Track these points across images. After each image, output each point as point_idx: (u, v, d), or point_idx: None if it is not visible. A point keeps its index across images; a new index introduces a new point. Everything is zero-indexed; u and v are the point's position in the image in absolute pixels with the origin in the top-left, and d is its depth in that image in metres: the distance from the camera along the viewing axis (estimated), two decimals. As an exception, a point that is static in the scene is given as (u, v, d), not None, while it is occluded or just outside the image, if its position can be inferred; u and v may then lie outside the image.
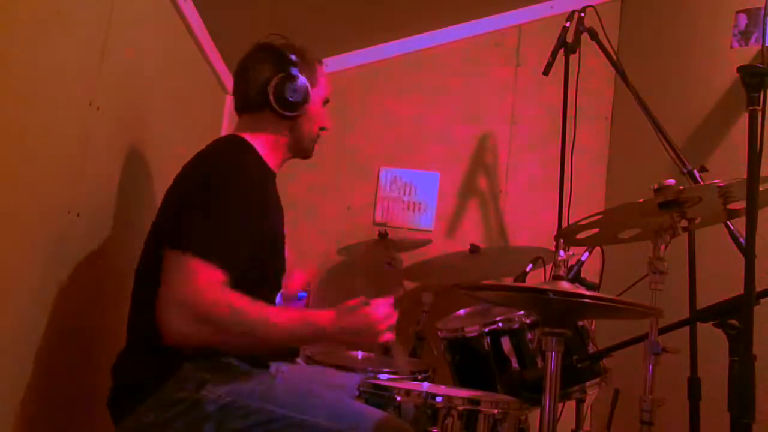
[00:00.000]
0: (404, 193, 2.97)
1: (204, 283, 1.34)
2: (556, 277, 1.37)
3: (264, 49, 1.68)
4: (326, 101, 1.75)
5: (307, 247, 2.88)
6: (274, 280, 1.61)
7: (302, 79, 1.63)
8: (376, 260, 2.62)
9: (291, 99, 1.62)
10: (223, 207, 1.43)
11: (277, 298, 1.67)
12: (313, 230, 2.93)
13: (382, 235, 2.61)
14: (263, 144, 1.63)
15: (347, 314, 1.44)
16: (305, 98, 1.64)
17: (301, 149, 1.72)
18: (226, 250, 1.39)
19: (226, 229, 1.41)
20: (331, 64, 3.02)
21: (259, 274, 1.52)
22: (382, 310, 1.46)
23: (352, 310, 1.44)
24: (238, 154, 1.55)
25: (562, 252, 1.38)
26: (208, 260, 1.36)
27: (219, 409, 1.35)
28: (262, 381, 1.43)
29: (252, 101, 1.65)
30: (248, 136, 1.62)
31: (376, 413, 1.38)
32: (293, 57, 1.64)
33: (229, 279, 1.38)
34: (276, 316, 1.42)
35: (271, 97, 1.61)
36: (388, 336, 1.47)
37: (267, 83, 1.62)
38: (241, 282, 1.41)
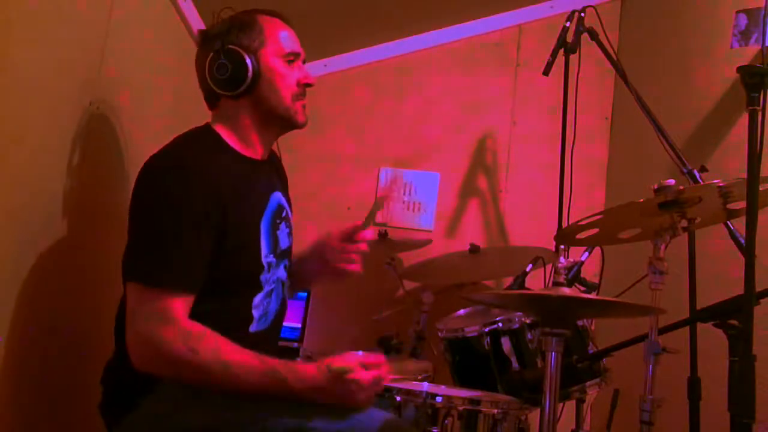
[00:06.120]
0: (404, 193, 2.97)
1: (163, 318, 1.28)
2: (557, 284, 1.38)
3: (198, 36, 1.58)
4: (290, 55, 1.55)
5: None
6: (249, 280, 1.48)
7: (231, 50, 1.48)
8: (376, 260, 2.62)
9: (223, 77, 1.48)
10: (171, 223, 1.34)
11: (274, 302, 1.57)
12: (313, 230, 2.92)
13: (382, 235, 2.61)
14: (233, 132, 1.53)
15: (329, 381, 1.29)
16: (242, 68, 1.48)
17: (279, 120, 1.56)
18: (182, 274, 1.33)
19: (178, 249, 1.33)
20: (332, 64, 3.02)
21: (229, 278, 1.43)
22: (369, 376, 1.31)
23: (335, 377, 1.29)
24: (182, 155, 1.43)
25: (562, 258, 1.39)
26: (167, 290, 1.31)
27: (202, 428, 1.31)
28: (255, 395, 1.33)
29: (206, 94, 1.56)
30: (218, 127, 1.52)
31: (378, 415, 1.36)
32: (216, 30, 1.52)
33: (191, 299, 1.34)
34: (237, 364, 1.29)
35: (211, 84, 1.50)
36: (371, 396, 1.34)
37: (204, 71, 1.51)
38: (210, 290, 1.37)
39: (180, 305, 1.32)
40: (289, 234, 1.63)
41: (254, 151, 1.57)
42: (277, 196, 1.60)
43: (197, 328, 1.31)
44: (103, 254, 1.76)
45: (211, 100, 1.57)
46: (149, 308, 1.30)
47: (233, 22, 1.53)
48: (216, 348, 1.29)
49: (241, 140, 1.54)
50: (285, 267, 1.60)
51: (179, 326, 1.30)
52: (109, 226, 1.81)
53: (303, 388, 1.30)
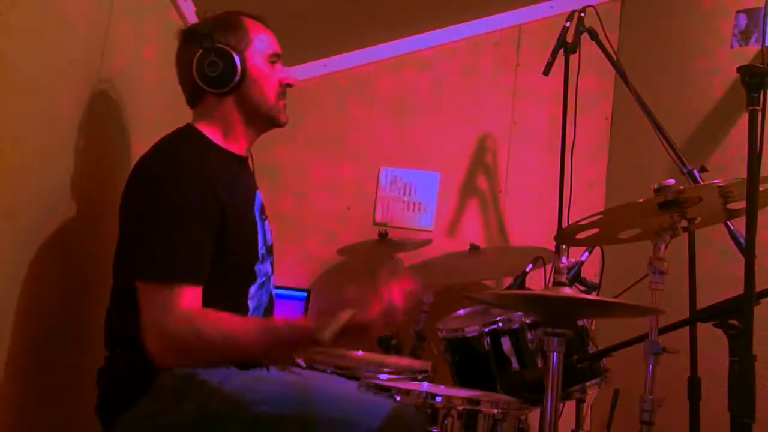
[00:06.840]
0: (404, 193, 2.97)
1: (173, 313, 1.31)
2: (557, 284, 1.37)
3: (181, 35, 1.60)
4: (273, 56, 1.59)
5: (307, 247, 2.88)
6: (246, 271, 1.51)
7: (221, 49, 1.51)
8: (376, 260, 2.62)
9: (213, 74, 1.50)
10: (173, 221, 1.37)
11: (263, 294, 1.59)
12: (313, 230, 2.92)
13: (382, 235, 2.61)
14: (217, 130, 1.55)
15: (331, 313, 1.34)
16: (231, 66, 1.51)
17: (262, 118, 1.59)
18: (187, 266, 1.36)
19: (181, 244, 1.37)
20: (331, 64, 3.02)
21: (228, 271, 1.46)
22: (383, 303, 1.35)
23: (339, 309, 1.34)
24: (177, 155, 1.46)
25: (564, 258, 1.38)
26: (174, 283, 1.33)
27: (200, 421, 1.32)
28: (249, 384, 1.37)
29: (190, 92, 1.58)
30: (201, 126, 1.54)
31: (386, 405, 1.37)
32: (204, 29, 1.53)
33: (200, 292, 1.36)
34: (240, 331, 1.35)
35: (198, 81, 1.52)
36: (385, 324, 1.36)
37: (190, 69, 1.53)
38: (210, 282, 1.39)
39: (191, 295, 1.35)
40: (270, 231, 1.66)
41: (239, 147, 1.59)
42: (259, 193, 1.63)
43: (196, 310, 1.34)
44: (102, 254, 1.76)
45: (195, 97, 1.58)
46: (164, 305, 1.32)
47: (218, 21, 1.56)
48: (216, 323, 1.33)
49: (226, 137, 1.56)
50: (270, 263, 1.62)
51: (185, 314, 1.32)
52: (108, 227, 1.80)
53: (306, 326, 1.35)
